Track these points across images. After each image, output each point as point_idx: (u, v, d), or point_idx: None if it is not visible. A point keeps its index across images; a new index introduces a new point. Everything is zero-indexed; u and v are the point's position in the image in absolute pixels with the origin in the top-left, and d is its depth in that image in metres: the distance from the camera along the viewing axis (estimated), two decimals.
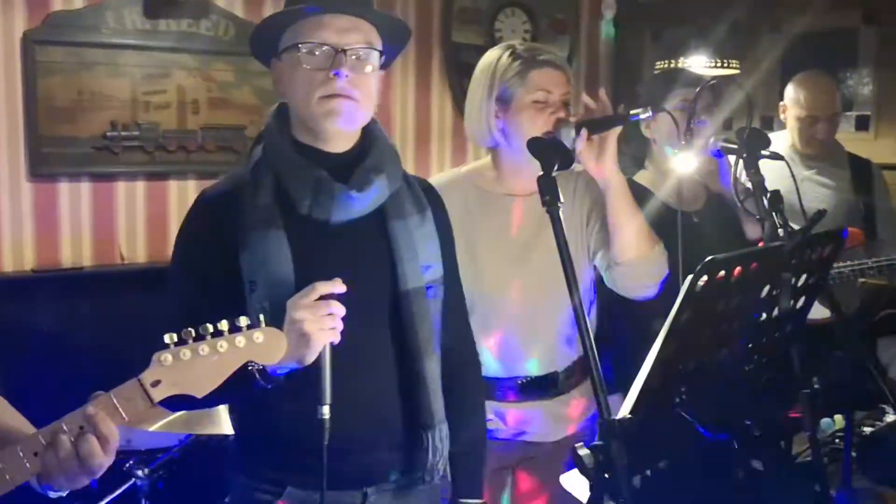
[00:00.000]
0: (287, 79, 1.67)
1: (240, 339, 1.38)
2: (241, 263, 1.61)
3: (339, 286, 1.53)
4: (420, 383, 1.72)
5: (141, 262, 3.81)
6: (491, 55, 2.20)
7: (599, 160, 2.09)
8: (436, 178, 2.31)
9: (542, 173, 1.49)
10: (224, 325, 1.38)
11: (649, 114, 1.99)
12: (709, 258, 1.27)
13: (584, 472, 1.24)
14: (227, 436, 2.67)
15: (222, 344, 1.36)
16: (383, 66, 1.75)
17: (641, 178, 2.61)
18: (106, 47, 3.64)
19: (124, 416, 1.33)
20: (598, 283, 2.30)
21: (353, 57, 1.63)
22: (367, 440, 1.70)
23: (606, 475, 1.25)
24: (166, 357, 1.34)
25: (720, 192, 2.60)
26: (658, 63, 3.89)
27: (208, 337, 1.36)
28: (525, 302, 2.16)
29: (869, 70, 4.03)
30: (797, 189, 2.08)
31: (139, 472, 2.60)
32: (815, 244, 1.61)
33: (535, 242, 2.19)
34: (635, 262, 2.11)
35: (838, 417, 2.31)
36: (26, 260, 3.58)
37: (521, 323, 2.18)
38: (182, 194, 3.91)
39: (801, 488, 1.85)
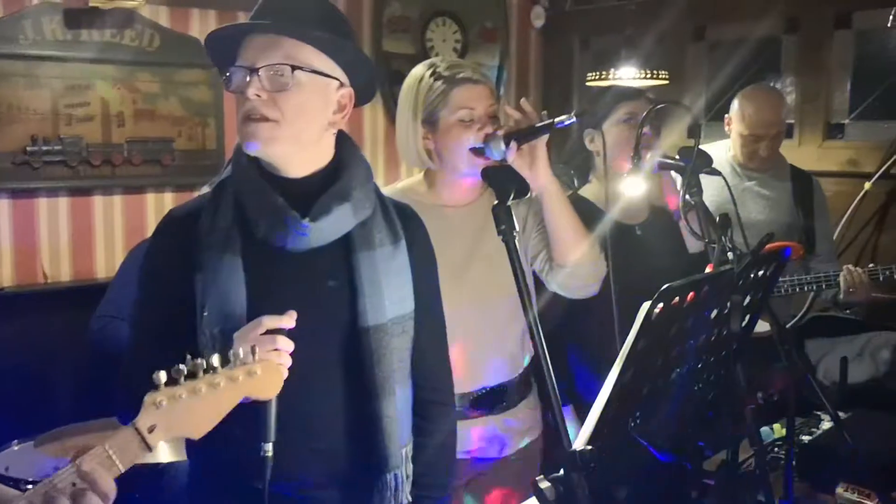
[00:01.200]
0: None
1: (238, 375, 1.31)
2: (193, 288, 1.56)
3: (287, 321, 1.46)
4: (375, 425, 1.63)
5: (65, 281, 3.68)
6: (413, 76, 2.21)
7: (532, 169, 2.12)
8: (397, 187, 2.30)
9: (496, 202, 1.47)
10: (216, 359, 1.30)
11: (573, 119, 2.04)
12: (665, 286, 1.28)
13: None
14: (158, 464, 2.59)
15: (219, 381, 1.29)
16: (361, 89, 1.68)
17: (586, 191, 2.63)
18: (25, 59, 3.50)
19: (121, 467, 1.25)
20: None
21: (270, 74, 1.55)
22: (314, 480, 1.63)
23: None
24: (160, 399, 1.26)
25: (663, 205, 2.63)
26: (589, 74, 3.92)
27: (201, 374, 1.29)
28: (466, 315, 2.15)
29: (791, 78, 4.13)
30: (734, 202, 2.11)
31: None
32: (759, 264, 1.63)
33: (473, 253, 2.20)
34: (578, 262, 2.16)
35: (777, 426, 2.35)
36: None
37: (464, 336, 2.16)
38: (108, 209, 3.78)
39: (745, 499, 1.88)
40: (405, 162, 2.28)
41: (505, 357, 2.22)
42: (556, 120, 2.07)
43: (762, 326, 3.19)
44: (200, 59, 3.95)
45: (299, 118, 1.58)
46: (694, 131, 1.89)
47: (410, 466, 1.71)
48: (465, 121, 2.13)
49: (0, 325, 3.47)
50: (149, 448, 1.27)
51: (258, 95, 1.55)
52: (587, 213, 2.49)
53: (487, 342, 2.17)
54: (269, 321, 1.45)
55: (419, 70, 2.21)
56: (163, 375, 1.27)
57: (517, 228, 1.46)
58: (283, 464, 1.49)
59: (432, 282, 1.79)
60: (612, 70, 3.78)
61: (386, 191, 2.31)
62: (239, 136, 1.60)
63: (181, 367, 1.28)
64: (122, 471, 1.26)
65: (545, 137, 2.13)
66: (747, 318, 1.70)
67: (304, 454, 1.60)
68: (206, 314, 1.53)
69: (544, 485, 1.24)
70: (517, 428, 2.23)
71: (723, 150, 3.40)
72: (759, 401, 1.81)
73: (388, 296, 1.63)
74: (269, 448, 1.46)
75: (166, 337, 1.54)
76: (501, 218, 1.45)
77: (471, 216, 2.23)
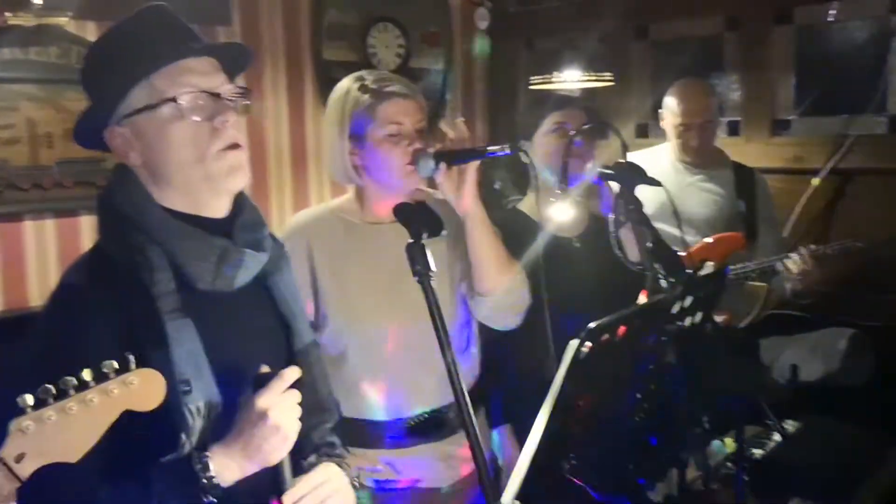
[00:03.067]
0: (157, 141, 1.43)
1: (113, 388, 1.18)
2: (161, 362, 1.35)
3: (297, 372, 1.41)
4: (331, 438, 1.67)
5: None
6: (339, 89, 2.13)
7: (458, 192, 2.05)
8: (301, 214, 2.21)
9: (411, 241, 1.38)
10: (88, 374, 1.17)
11: (506, 151, 1.95)
12: (590, 326, 1.20)
13: None
14: None
15: (93, 397, 1.16)
16: None
17: (523, 205, 2.56)
18: None
19: None
20: None
21: (230, 100, 1.47)
22: None
23: None
24: (27, 424, 1.13)
25: (601, 215, 2.57)
26: (532, 78, 3.86)
27: (72, 392, 1.16)
28: (402, 335, 2.07)
29: (736, 76, 4.10)
30: (673, 206, 2.06)
31: None
32: (701, 286, 1.57)
33: (403, 269, 2.09)
34: (497, 293, 2.09)
35: (728, 440, 2.30)
36: None
37: (400, 358, 2.09)
38: (39, 234, 3.64)
39: None
40: (332, 178, 2.19)
41: (442, 379, 2.13)
42: (490, 149, 2.00)
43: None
44: None
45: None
46: (623, 147, 1.80)
47: None
48: (394, 135, 2.04)
49: None
50: (18, 479, 1.14)
51: (230, 121, 1.46)
52: (523, 228, 2.43)
53: (421, 364, 2.09)
54: (290, 375, 1.39)
55: (345, 83, 2.13)
56: (29, 398, 1.14)
57: (433, 269, 1.38)
58: None
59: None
60: (555, 73, 3.72)
61: (316, 209, 2.23)
62: (210, 170, 1.45)
63: (49, 386, 1.15)
64: None
65: (476, 163, 2.05)
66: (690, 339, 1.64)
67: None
68: (190, 391, 1.39)
69: None
70: (458, 455, 2.15)
71: (666, 152, 3.41)
72: (704, 424, 1.74)
73: (304, 310, 1.65)
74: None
75: (115, 439, 1.34)
76: (415, 258, 1.37)
77: (401, 231, 2.14)
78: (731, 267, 3.17)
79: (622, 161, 1.93)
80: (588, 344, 1.21)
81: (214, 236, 1.47)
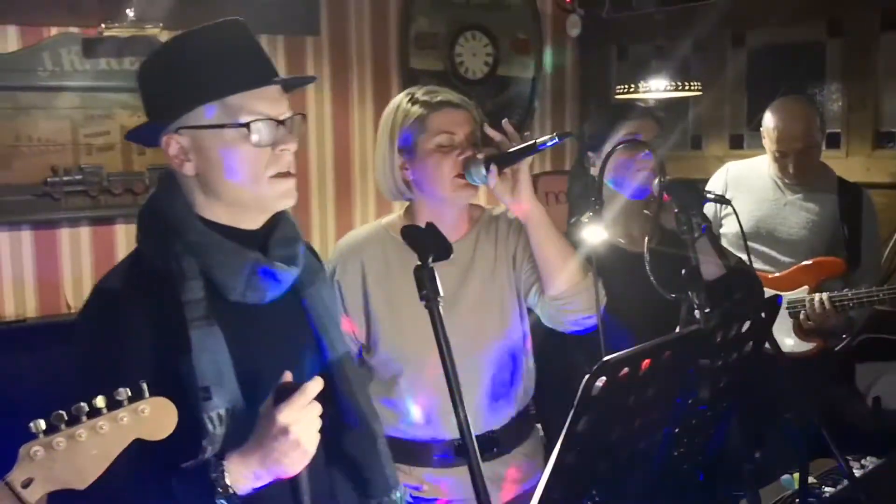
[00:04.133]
0: (216, 158, 1.46)
1: (123, 416, 1.19)
2: (184, 369, 1.40)
3: (320, 384, 1.40)
4: (373, 448, 1.64)
5: None
6: (391, 105, 2.11)
7: (514, 194, 1.99)
8: (353, 233, 2.19)
9: (418, 263, 1.35)
10: (101, 401, 1.18)
11: (555, 140, 1.89)
12: (603, 360, 1.14)
13: None
14: None
15: (103, 424, 1.17)
16: None
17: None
18: (43, 90, 3.51)
19: None
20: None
21: (290, 128, 1.50)
22: None
23: None
24: (36, 450, 1.14)
25: (674, 229, 2.46)
26: (618, 87, 3.76)
27: (84, 418, 1.17)
28: (455, 356, 2.02)
29: (837, 85, 3.89)
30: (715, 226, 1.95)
31: None
32: (747, 314, 1.47)
33: (459, 295, 2.08)
34: (569, 292, 2.01)
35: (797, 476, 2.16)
36: None
37: (445, 381, 2.04)
38: (130, 238, 3.70)
39: None
40: (385, 195, 2.16)
41: (492, 403, 2.09)
42: (539, 141, 1.93)
43: (802, 346, 3.01)
44: None
45: None
46: (661, 168, 1.71)
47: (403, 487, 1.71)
48: (445, 145, 2.01)
49: (23, 356, 3.46)
50: None
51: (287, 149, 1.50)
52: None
53: (477, 387, 2.05)
54: (313, 388, 1.39)
55: (397, 98, 2.11)
56: (41, 423, 1.15)
57: (441, 294, 1.33)
58: None
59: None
60: (641, 82, 3.61)
61: (369, 227, 2.20)
62: (263, 192, 1.49)
63: (61, 412, 1.16)
64: None
65: (528, 160, 1.99)
66: (736, 374, 1.54)
67: (320, 499, 1.53)
68: (210, 399, 1.41)
69: None
70: (510, 476, 2.09)
71: (765, 164, 3.22)
72: (757, 459, 1.64)
73: (339, 323, 1.64)
74: None
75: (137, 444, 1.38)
76: (422, 282, 1.33)
77: (456, 252, 2.09)
78: (832, 294, 2.99)
79: (681, 180, 1.82)
80: (602, 379, 1.14)
81: (248, 250, 1.49)
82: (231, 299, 1.47)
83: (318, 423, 1.40)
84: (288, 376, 1.41)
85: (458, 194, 2.02)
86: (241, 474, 1.36)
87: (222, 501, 1.35)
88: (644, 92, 3.61)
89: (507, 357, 2.11)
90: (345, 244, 2.17)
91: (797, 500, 2.08)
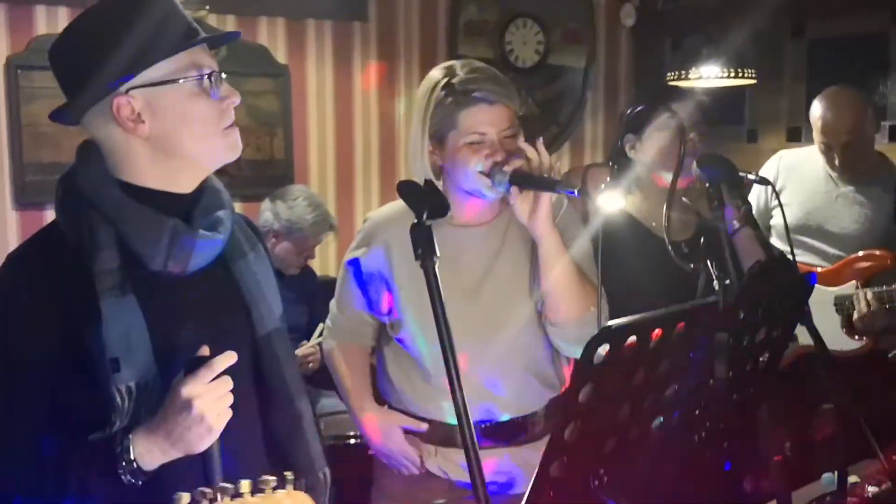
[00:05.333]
0: (177, 113, 1.43)
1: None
2: (91, 341, 1.36)
3: (231, 358, 1.35)
4: (297, 427, 1.59)
5: None
6: (428, 82, 2.00)
7: (531, 219, 1.92)
8: (380, 211, 2.14)
9: (415, 221, 1.29)
10: (246, 485, 1.12)
11: (573, 192, 1.80)
12: (608, 325, 1.07)
13: None
14: None
15: None
16: None
17: (627, 203, 2.39)
18: None
19: None
20: None
21: (227, 77, 1.48)
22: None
23: None
24: None
25: (714, 218, 2.36)
26: (669, 74, 3.65)
27: (226, 499, 1.10)
28: (476, 342, 1.96)
29: None
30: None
31: None
32: (777, 293, 1.38)
33: (487, 276, 2.01)
34: (564, 324, 1.95)
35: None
36: None
37: (477, 367, 1.98)
38: None
39: None
40: (414, 176, 2.11)
41: (521, 391, 2.02)
42: (560, 184, 1.85)
43: (850, 344, 2.87)
44: (268, 67, 3.94)
45: None
46: (681, 139, 1.62)
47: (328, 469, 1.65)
48: (475, 143, 1.93)
49: None
50: None
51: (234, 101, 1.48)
52: (628, 230, 2.27)
53: (499, 372, 1.98)
54: (220, 362, 1.33)
55: (435, 75, 2.00)
56: (185, 497, 1.09)
57: (437, 254, 1.28)
58: None
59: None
60: (692, 69, 3.50)
61: (395, 205, 2.15)
62: (216, 146, 1.46)
63: (205, 490, 1.10)
64: None
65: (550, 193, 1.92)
66: (765, 355, 1.45)
67: (235, 476, 1.46)
68: (119, 371, 1.37)
69: None
70: (532, 462, 2.01)
71: (818, 155, 3.10)
72: (786, 451, 1.54)
73: (271, 298, 1.58)
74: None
75: (41, 414, 1.38)
76: (418, 240, 1.27)
77: (486, 236, 2.05)
78: (877, 289, 2.85)
79: (715, 155, 1.73)
80: (605, 347, 1.07)
81: (167, 217, 1.44)
82: (152, 269, 1.43)
83: (227, 399, 1.34)
84: (205, 350, 1.36)
85: (482, 190, 1.96)
86: (147, 449, 1.32)
87: (127, 476, 1.32)
88: (695, 79, 3.49)
89: (538, 342, 2.04)
90: (371, 221, 2.13)
91: (831, 499, 1.99)
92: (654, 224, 2.29)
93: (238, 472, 1.44)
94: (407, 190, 1.32)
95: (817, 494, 2.08)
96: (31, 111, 3.45)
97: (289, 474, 1.13)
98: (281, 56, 3.95)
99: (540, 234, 1.91)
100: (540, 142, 1.93)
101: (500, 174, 1.88)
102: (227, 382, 1.34)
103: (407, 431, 2.08)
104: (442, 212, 1.30)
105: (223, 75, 1.46)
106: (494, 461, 2.04)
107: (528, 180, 1.88)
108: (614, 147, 2.42)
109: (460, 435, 1.18)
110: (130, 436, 1.32)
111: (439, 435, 2.04)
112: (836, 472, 2.07)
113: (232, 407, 1.37)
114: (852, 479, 2.10)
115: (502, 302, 2.00)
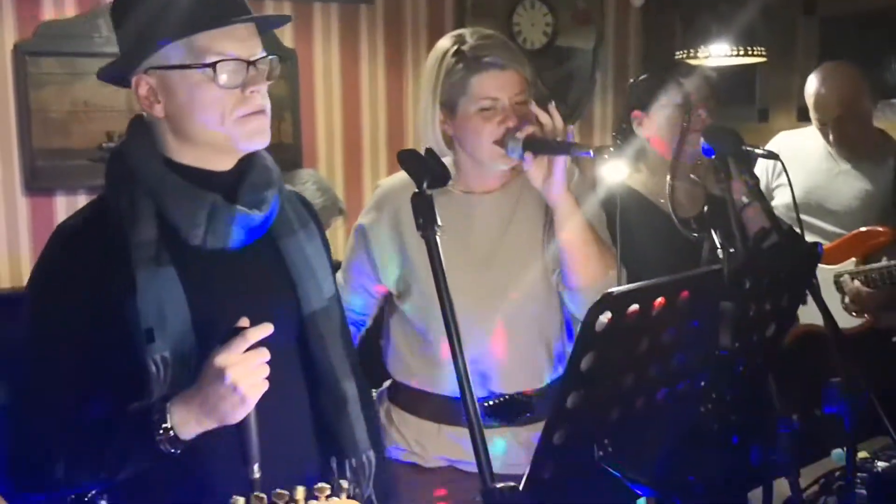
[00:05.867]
0: (184, 99, 1.44)
1: None
2: (129, 310, 1.39)
3: (267, 329, 1.36)
4: (342, 409, 1.58)
5: None
6: (437, 50, 1.99)
7: (546, 185, 1.89)
8: (390, 180, 2.13)
9: (417, 191, 1.29)
10: (301, 492, 1.15)
11: (589, 154, 1.78)
12: (609, 292, 1.06)
13: None
14: None
15: None
16: None
17: (635, 181, 2.38)
18: (99, 56, 3.54)
19: None
20: None
21: (262, 67, 1.47)
22: (289, 482, 1.52)
23: None
24: None
25: (723, 193, 2.35)
26: (678, 53, 3.62)
27: (279, 502, 1.14)
28: (486, 313, 1.95)
29: None
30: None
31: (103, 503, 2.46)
32: (783, 261, 1.37)
33: (500, 245, 1.99)
34: (584, 289, 1.91)
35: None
36: (24, 276, 3.51)
37: (485, 334, 1.97)
38: None
39: None
40: (424, 144, 2.09)
41: (530, 362, 2.00)
42: (574, 146, 1.84)
43: (851, 322, 2.85)
44: (275, 51, 3.92)
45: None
46: (686, 104, 1.60)
47: (373, 452, 1.64)
48: (487, 110, 1.92)
49: None
50: None
51: (261, 90, 1.47)
52: (636, 207, 2.26)
53: (509, 345, 1.97)
54: (254, 333, 1.35)
55: (444, 43, 1.98)
56: (240, 500, 1.12)
57: (439, 223, 1.27)
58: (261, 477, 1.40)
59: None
60: (701, 47, 3.47)
61: (405, 176, 2.13)
62: (230, 132, 1.45)
63: (261, 495, 1.13)
64: None
65: (565, 157, 1.90)
66: (772, 326, 1.44)
67: (277, 460, 1.47)
68: (153, 341, 1.39)
69: None
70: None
71: (820, 133, 3.07)
72: (793, 423, 1.53)
73: (321, 277, 1.57)
74: (256, 469, 1.38)
75: (83, 381, 1.40)
76: (419, 209, 1.27)
77: (498, 204, 2.03)
78: (860, 268, 2.83)
79: (721, 126, 1.72)
80: (607, 314, 1.06)
81: (208, 192, 1.46)
82: (192, 244, 1.45)
83: (261, 371, 1.35)
84: (244, 321, 1.37)
85: (495, 161, 1.94)
86: (183, 418, 1.34)
87: (165, 444, 1.34)
88: (705, 57, 3.46)
89: (548, 313, 2.03)
90: (382, 188, 2.11)
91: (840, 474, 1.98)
92: (661, 201, 2.28)
93: (282, 450, 1.48)
94: (407, 158, 1.31)
95: (827, 470, 2.07)
96: (40, 97, 3.47)
97: (343, 482, 1.15)
98: (288, 40, 3.94)
99: (555, 200, 1.89)
100: (552, 105, 1.91)
101: (512, 141, 1.87)
102: (262, 354, 1.35)
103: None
104: (443, 181, 1.29)
105: (251, 62, 1.44)
106: (494, 441, 2.02)
107: (541, 145, 1.86)
108: (620, 117, 2.41)
109: (462, 401, 1.16)
110: (168, 404, 1.35)
111: (443, 411, 2.02)
112: (845, 448, 2.07)
113: (275, 384, 1.39)
114: (862, 454, 2.09)
115: (513, 270, 1.98)
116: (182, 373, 1.37)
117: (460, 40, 1.96)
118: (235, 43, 1.43)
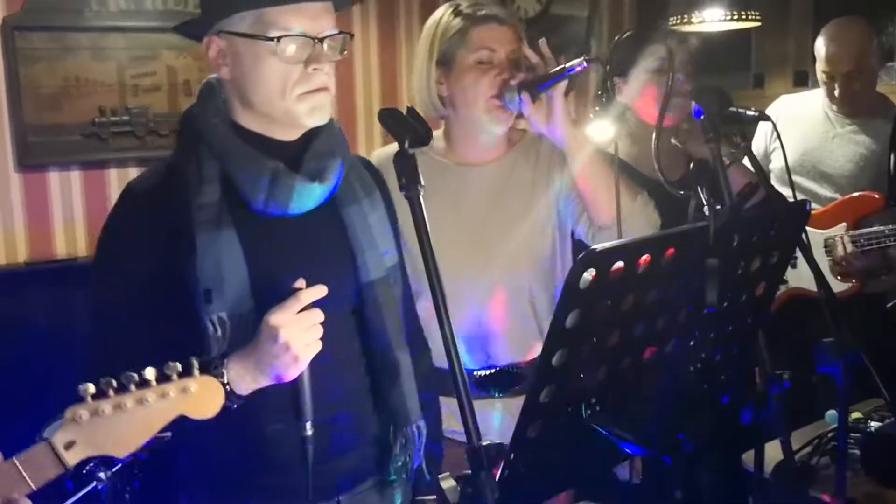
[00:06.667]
0: (248, 68, 1.47)
1: (169, 391, 1.19)
2: (189, 271, 1.43)
3: (321, 291, 1.40)
4: (394, 379, 1.60)
5: None
6: (433, 18, 2.01)
7: (549, 122, 1.89)
8: (381, 151, 2.13)
9: (398, 151, 1.28)
10: (151, 372, 1.19)
11: (584, 65, 1.78)
12: (593, 248, 1.05)
13: None
14: None
15: (148, 397, 1.17)
16: None
17: (620, 150, 2.36)
18: (89, 31, 3.52)
19: (32, 485, 1.16)
20: None
21: (329, 46, 1.49)
22: (341, 446, 1.58)
23: None
24: (82, 413, 1.16)
25: (705, 157, 2.33)
26: (672, 19, 3.59)
27: (132, 388, 1.17)
28: (478, 284, 1.95)
29: None
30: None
31: (101, 475, 2.47)
32: (771, 219, 1.36)
33: (492, 215, 2.00)
34: (614, 221, 1.90)
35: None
36: (19, 252, 3.51)
37: (477, 306, 1.97)
38: None
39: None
40: (419, 108, 2.08)
41: (522, 334, 2.01)
42: (568, 65, 1.84)
43: (838, 286, 2.85)
44: None
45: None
46: (670, 63, 1.59)
47: (423, 422, 1.66)
48: (484, 63, 1.91)
49: (74, 293, 3.53)
50: (64, 466, 1.17)
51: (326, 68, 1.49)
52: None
53: (498, 317, 1.97)
54: (307, 295, 1.39)
55: (440, 10, 2.02)
56: (90, 388, 1.16)
57: (422, 183, 1.26)
58: (314, 436, 1.47)
59: (397, 233, 1.72)
60: (695, 12, 3.44)
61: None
62: (290, 107, 1.48)
63: (110, 378, 1.17)
64: (34, 489, 1.17)
65: (562, 87, 1.89)
66: (762, 285, 1.44)
67: (330, 421, 1.54)
68: (211, 301, 1.44)
69: (447, 484, 1.05)
70: None
71: (818, 97, 3.06)
72: (784, 383, 1.53)
73: (382, 247, 1.59)
74: (309, 426, 1.45)
75: (144, 333, 1.44)
76: (401, 170, 1.26)
77: (491, 175, 2.03)
78: (853, 233, 2.82)
79: (712, 87, 1.71)
80: (591, 271, 1.06)
81: (269, 158, 1.48)
82: (255, 208, 1.48)
83: (314, 332, 1.39)
84: (300, 283, 1.41)
85: (491, 117, 1.94)
86: (239, 374, 1.40)
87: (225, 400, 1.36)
88: (699, 23, 3.43)
89: (539, 287, 2.03)
90: (374, 158, 2.11)
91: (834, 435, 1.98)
92: (640, 168, 2.27)
93: (335, 410, 1.53)
94: (388, 118, 1.31)
95: (820, 431, 2.08)
96: (31, 73, 3.43)
97: (194, 360, 1.19)
98: None
99: (562, 135, 1.90)
100: (543, 42, 1.92)
101: (509, 91, 1.88)
102: (315, 315, 1.39)
103: None
104: (425, 140, 1.29)
105: (318, 39, 1.46)
106: (485, 412, 2.02)
107: (536, 81, 1.87)
108: (598, 94, 2.39)
109: (448, 364, 1.16)
110: (225, 360, 1.39)
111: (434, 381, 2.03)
112: (838, 409, 2.07)
113: (331, 347, 1.44)
114: (855, 415, 2.10)
115: (505, 242, 1.99)
116: (240, 333, 1.42)
117: (456, 4, 1.99)
118: (304, 19, 1.46)
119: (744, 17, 3.40)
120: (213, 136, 1.50)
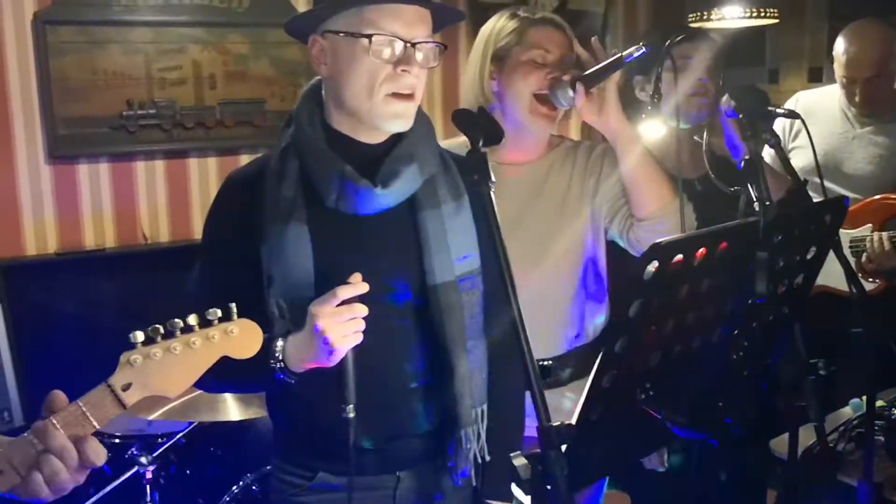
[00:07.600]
0: (343, 65, 1.56)
1: (213, 334, 1.28)
2: (261, 255, 1.57)
3: (361, 288, 1.49)
4: (447, 381, 1.64)
5: (164, 242, 3.77)
6: (491, 20, 2.11)
7: (602, 114, 1.96)
8: (443, 144, 2.18)
9: (470, 150, 1.35)
10: (194, 318, 1.27)
11: (643, 50, 1.84)
12: (654, 243, 1.12)
13: (519, 484, 1.12)
14: (230, 422, 2.62)
15: (195, 340, 1.26)
16: None
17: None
18: (118, 24, 3.58)
19: (96, 424, 1.24)
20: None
21: (421, 52, 1.56)
22: (393, 433, 1.66)
23: (548, 487, 1.12)
24: (136, 357, 1.24)
25: (726, 155, 2.38)
26: (690, 16, 3.65)
27: (178, 333, 1.26)
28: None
29: None
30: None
31: (142, 460, 2.55)
32: (811, 215, 1.43)
33: (523, 216, 2.06)
34: (658, 214, 1.96)
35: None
36: (49, 243, 3.58)
37: None
38: (203, 171, 3.85)
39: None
40: (465, 105, 2.14)
41: (550, 328, 2.06)
42: (625, 53, 1.89)
43: (867, 286, 2.90)
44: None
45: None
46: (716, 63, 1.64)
47: (484, 426, 1.69)
48: (537, 61, 2.00)
49: (102, 285, 3.60)
50: (123, 406, 1.25)
51: (415, 72, 1.56)
52: None
53: (529, 312, 2.03)
54: (343, 291, 1.48)
55: (497, 15, 2.12)
56: (140, 335, 1.25)
57: (493, 179, 1.33)
58: (363, 420, 1.55)
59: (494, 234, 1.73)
60: (714, 10, 3.50)
61: (443, 145, 2.20)
62: (375, 107, 1.56)
63: (158, 326, 1.25)
64: (97, 427, 1.24)
65: (615, 78, 1.95)
66: (800, 277, 1.50)
67: (382, 409, 1.63)
68: (271, 286, 1.56)
69: (519, 462, 1.12)
70: (563, 409, 2.04)
71: (835, 95, 3.09)
72: (819, 371, 1.60)
73: (455, 252, 1.63)
74: (350, 410, 1.53)
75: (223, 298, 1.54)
76: (474, 166, 1.33)
77: (525, 177, 2.09)
78: (893, 233, 2.87)
79: (748, 86, 1.76)
80: (655, 263, 1.13)
81: (344, 162, 1.57)
82: (328, 206, 1.58)
83: (351, 325, 1.48)
84: (356, 277, 1.50)
85: (534, 118, 2.01)
86: (291, 354, 1.51)
87: (279, 374, 1.52)
88: (717, 20, 3.49)
89: (568, 287, 2.08)
90: None
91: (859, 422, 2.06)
92: (665, 163, 2.32)
93: (381, 399, 1.60)
94: (462, 118, 1.38)
95: (846, 418, 2.15)
96: (61, 65, 3.50)
97: (233, 305, 1.27)
98: (302, 6, 3.97)
99: (613, 128, 1.97)
100: (595, 40, 1.99)
101: (560, 86, 1.94)
102: (354, 310, 1.47)
103: None
104: (497, 138, 1.35)
105: (410, 43, 1.53)
106: None
107: (591, 75, 1.93)
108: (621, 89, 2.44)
109: (517, 349, 1.23)
110: (280, 340, 1.51)
111: None
112: (864, 397, 2.14)
113: (385, 340, 1.56)
114: (880, 403, 2.17)
115: (536, 241, 2.05)
116: (301, 319, 1.51)
117: (515, 10, 2.09)
118: (399, 23, 1.53)
119: (762, 13, 3.46)
120: (300, 135, 1.62)
